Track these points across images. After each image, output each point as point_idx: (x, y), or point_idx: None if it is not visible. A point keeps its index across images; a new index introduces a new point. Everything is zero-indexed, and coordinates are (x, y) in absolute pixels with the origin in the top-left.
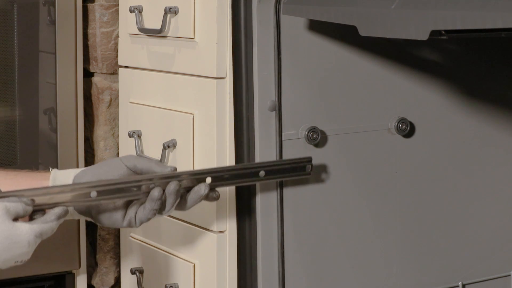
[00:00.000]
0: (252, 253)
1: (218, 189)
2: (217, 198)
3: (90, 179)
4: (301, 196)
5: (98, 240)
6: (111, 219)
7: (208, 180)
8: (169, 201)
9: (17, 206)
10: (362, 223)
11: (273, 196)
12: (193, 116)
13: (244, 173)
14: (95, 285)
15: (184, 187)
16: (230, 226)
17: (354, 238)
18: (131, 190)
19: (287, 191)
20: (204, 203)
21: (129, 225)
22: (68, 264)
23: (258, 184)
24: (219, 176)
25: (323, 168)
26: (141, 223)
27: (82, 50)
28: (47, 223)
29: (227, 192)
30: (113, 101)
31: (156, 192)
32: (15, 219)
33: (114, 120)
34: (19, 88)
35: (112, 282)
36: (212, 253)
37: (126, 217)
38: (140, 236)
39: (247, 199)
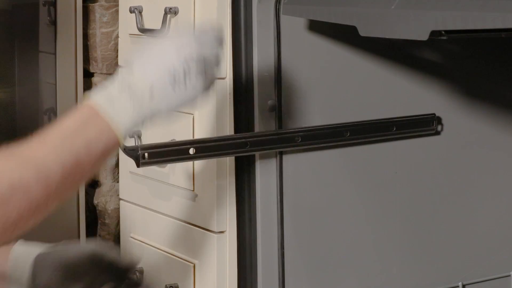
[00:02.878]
0: (252, 253)
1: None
2: None
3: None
4: (301, 197)
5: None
6: None
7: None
8: None
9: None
10: (362, 223)
11: (273, 196)
12: (193, 116)
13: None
14: None
15: None
16: (230, 226)
17: (354, 238)
18: None
19: (287, 191)
20: (205, 202)
21: None
22: None
23: (258, 185)
24: (309, 134)
25: (323, 168)
26: None
27: (82, 50)
28: None
29: (227, 191)
30: None
31: None
32: None
33: None
34: (19, 88)
35: None
36: (212, 253)
37: None
38: (140, 236)
39: (247, 199)
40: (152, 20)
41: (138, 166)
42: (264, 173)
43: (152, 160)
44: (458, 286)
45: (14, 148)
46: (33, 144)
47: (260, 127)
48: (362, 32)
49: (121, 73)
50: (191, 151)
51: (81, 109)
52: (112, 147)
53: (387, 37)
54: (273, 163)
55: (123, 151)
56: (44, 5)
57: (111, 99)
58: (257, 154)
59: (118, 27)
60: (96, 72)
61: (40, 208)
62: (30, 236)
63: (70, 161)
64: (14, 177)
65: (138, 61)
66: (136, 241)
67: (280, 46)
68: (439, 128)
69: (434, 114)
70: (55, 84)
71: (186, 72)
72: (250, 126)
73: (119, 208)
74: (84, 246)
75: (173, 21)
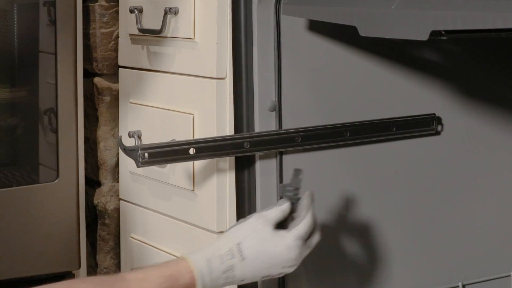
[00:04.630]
0: None
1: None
2: None
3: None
4: None
5: (98, 240)
6: None
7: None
8: None
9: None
10: (362, 223)
11: (273, 196)
12: (193, 116)
13: (330, 133)
14: None
15: None
16: (230, 226)
17: (354, 238)
18: None
19: None
20: (205, 202)
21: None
22: (68, 264)
23: (258, 185)
24: (308, 135)
25: (323, 169)
26: None
27: (82, 50)
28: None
29: (227, 191)
30: (113, 101)
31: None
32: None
33: (114, 120)
34: (19, 88)
35: None
36: None
37: None
38: (140, 236)
39: (247, 199)
40: (152, 20)
41: (138, 166)
42: (264, 173)
43: (152, 160)
44: (458, 286)
45: None
46: None
47: (260, 127)
48: (362, 32)
49: (233, 253)
50: (191, 151)
51: (183, 274)
52: None
53: (387, 37)
54: (273, 163)
55: (123, 151)
56: (44, 5)
57: (212, 278)
58: (257, 154)
59: (118, 27)
60: (96, 72)
61: None
62: (29, 237)
63: None
64: None
65: (253, 255)
66: (136, 241)
67: (280, 46)
68: (439, 128)
69: (434, 114)
70: (55, 84)
71: (280, 275)
72: (250, 126)
73: (119, 208)
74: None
75: (173, 21)
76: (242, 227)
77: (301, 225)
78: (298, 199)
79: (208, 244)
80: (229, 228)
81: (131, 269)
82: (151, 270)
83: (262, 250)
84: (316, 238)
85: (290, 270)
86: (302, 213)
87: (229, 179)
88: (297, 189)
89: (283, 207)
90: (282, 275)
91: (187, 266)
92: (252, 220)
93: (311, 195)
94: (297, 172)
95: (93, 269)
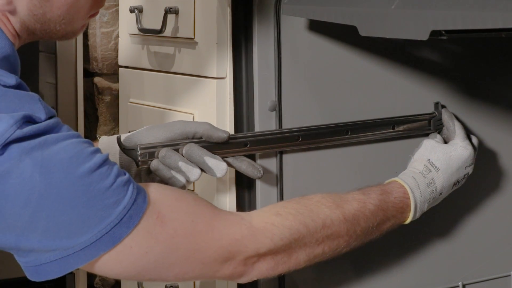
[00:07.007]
0: None
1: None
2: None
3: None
4: (301, 196)
5: None
6: None
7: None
8: None
9: None
10: None
11: (273, 196)
12: (193, 116)
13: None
14: (95, 285)
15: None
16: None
17: None
18: None
19: (287, 191)
20: None
21: None
22: None
23: (258, 184)
24: (309, 134)
25: (323, 168)
26: None
27: (82, 50)
28: None
29: (227, 192)
30: (113, 101)
31: None
32: None
33: (114, 120)
34: None
35: (112, 282)
36: None
37: None
38: None
39: (247, 199)
40: (152, 20)
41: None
42: (264, 172)
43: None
44: (458, 286)
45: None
46: (356, 204)
47: (260, 127)
48: (362, 32)
49: (429, 168)
50: None
51: (396, 188)
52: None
53: (387, 37)
54: (273, 163)
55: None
56: None
57: (420, 192)
58: (257, 154)
59: (118, 27)
60: (96, 72)
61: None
62: None
63: (366, 227)
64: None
65: (444, 164)
66: None
67: (280, 46)
68: None
69: (434, 113)
70: (55, 84)
71: (464, 179)
72: (250, 126)
73: None
74: (174, 124)
75: (173, 21)
76: (421, 150)
77: (457, 129)
78: (442, 127)
79: (405, 171)
80: (414, 155)
81: None
82: (367, 187)
83: (447, 157)
84: (475, 138)
85: (471, 170)
86: (450, 124)
87: (229, 179)
88: (440, 119)
89: (440, 136)
90: (465, 179)
91: (398, 183)
92: (425, 142)
93: (446, 110)
94: (437, 105)
95: None
